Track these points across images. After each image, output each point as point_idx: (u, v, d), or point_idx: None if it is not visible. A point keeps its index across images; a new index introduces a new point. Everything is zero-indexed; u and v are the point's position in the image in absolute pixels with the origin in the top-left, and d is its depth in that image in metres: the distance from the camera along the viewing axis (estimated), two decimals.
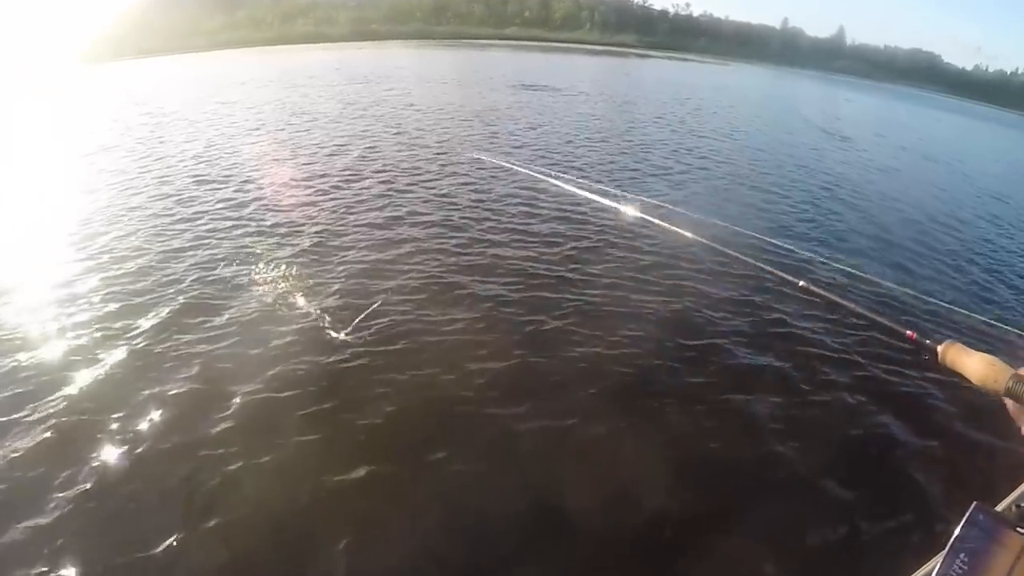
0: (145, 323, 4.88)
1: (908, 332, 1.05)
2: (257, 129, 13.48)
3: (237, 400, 3.96)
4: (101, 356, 4.41)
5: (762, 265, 1.51)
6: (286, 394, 4.06)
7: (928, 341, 1.00)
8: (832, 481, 3.73)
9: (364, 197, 8.49)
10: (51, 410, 3.82)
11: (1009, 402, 0.88)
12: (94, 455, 3.48)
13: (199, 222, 7.36)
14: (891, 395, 4.63)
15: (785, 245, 6.97)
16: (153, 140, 12.17)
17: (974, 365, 0.92)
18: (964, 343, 0.95)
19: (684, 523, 3.29)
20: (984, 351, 0.92)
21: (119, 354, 4.44)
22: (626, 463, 3.68)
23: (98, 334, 4.71)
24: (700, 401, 4.41)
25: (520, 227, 7.47)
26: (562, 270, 6.29)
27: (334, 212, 7.81)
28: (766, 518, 3.33)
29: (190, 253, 6.38)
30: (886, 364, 4.98)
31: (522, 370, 4.55)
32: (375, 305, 5.23)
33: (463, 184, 9.34)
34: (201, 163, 10.27)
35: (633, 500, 3.36)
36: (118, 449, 3.53)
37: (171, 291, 5.47)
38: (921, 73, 79.47)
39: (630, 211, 1.98)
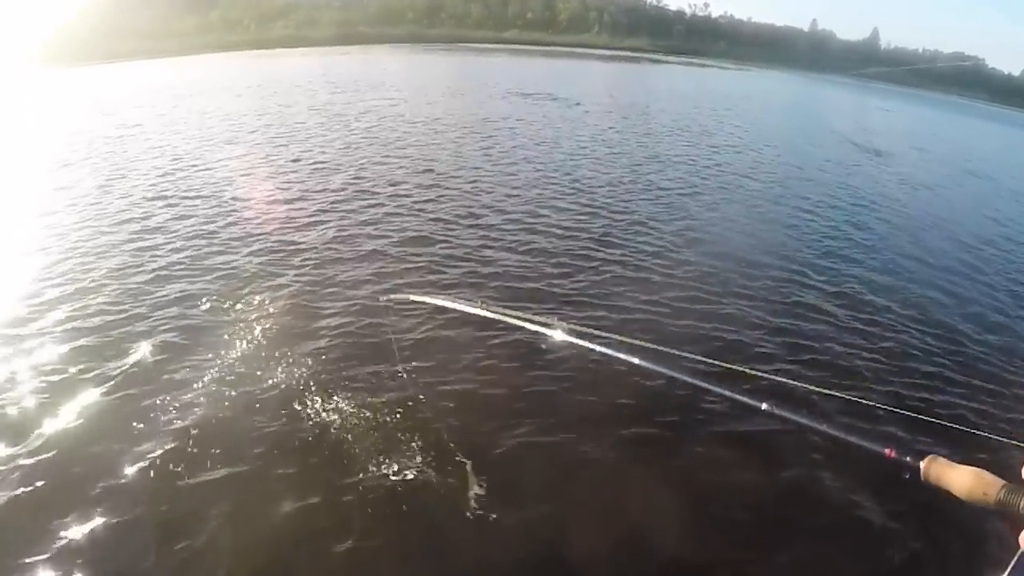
0: (115, 364, 4.93)
1: (886, 450, 1.06)
2: (232, 143, 13.72)
3: (217, 451, 4.00)
4: (65, 402, 4.45)
5: (723, 391, 1.53)
6: (270, 443, 4.10)
7: (908, 458, 1.02)
8: (867, 517, 3.82)
9: (353, 220, 8.62)
10: (9, 464, 3.84)
11: None
12: (60, 514, 3.49)
13: (170, 249, 7.48)
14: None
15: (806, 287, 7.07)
16: (119, 155, 12.38)
17: (960, 479, 0.95)
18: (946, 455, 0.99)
19: (704, 568, 3.35)
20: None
21: (85, 401, 4.49)
22: (638, 500, 3.76)
23: (61, 377, 4.76)
24: (719, 428, 4.52)
25: (522, 247, 7.63)
26: (569, 295, 6.38)
27: (320, 238, 7.93)
28: (794, 560, 3.42)
29: (162, 284, 6.47)
30: (927, 392, 5.03)
31: (523, 399, 4.68)
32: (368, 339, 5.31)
33: (459, 204, 9.48)
34: (170, 181, 10.44)
35: (647, 542, 3.43)
36: (87, 508, 3.54)
37: (143, 327, 5.54)
38: (964, 79, 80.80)
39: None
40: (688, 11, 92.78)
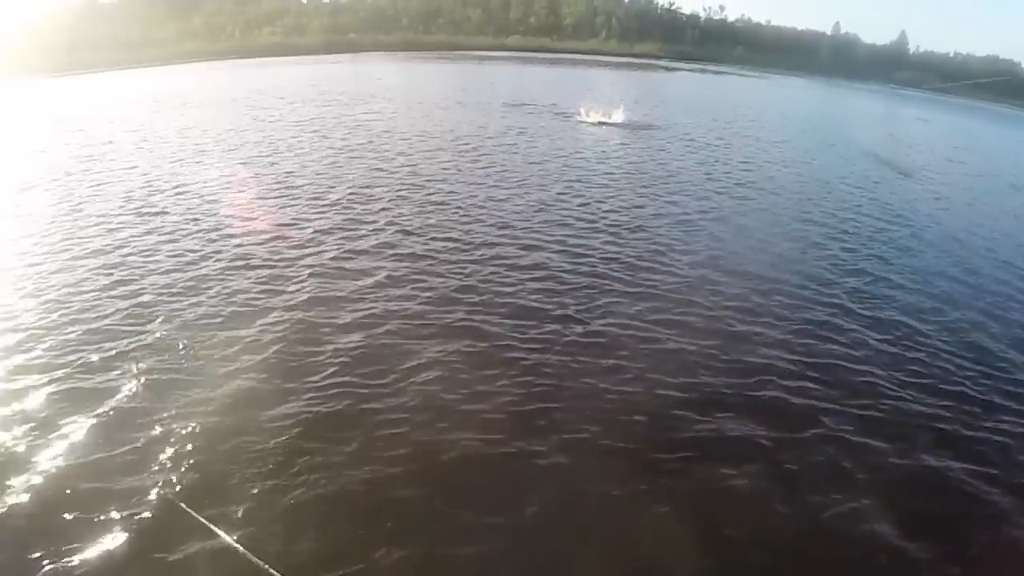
0: (78, 393, 5.06)
1: None
2: (205, 162, 13.80)
3: (183, 471, 4.19)
4: (42, 443, 4.55)
5: None
6: (232, 468, 4.23)
7: None
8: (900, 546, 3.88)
9: (327, 247, 8.65)
10: None
11: None
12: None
13: (134, 275, 7.54)
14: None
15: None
16: (86, 176, 12.45)
17: None
18: None
19: None
20: None
21: (63, 441, 4.57)
22: (645, 534, 3.79)
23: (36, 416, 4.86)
24: (732, 456, 4.54)
25: (518, 264, 7.79)
26: (568, 311, 6.39)
27: (293, 264, 7.97)
28: None
29: (124, 311, 6.56)
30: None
31: (522, 425, 4.70)
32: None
33: (447, 226, 9.49)
34: (140, 205, 10.51)
35: None
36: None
37: (105, 355, 5.63)
38: (1000, 84, 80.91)
39: None
40: (703, 14, 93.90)
